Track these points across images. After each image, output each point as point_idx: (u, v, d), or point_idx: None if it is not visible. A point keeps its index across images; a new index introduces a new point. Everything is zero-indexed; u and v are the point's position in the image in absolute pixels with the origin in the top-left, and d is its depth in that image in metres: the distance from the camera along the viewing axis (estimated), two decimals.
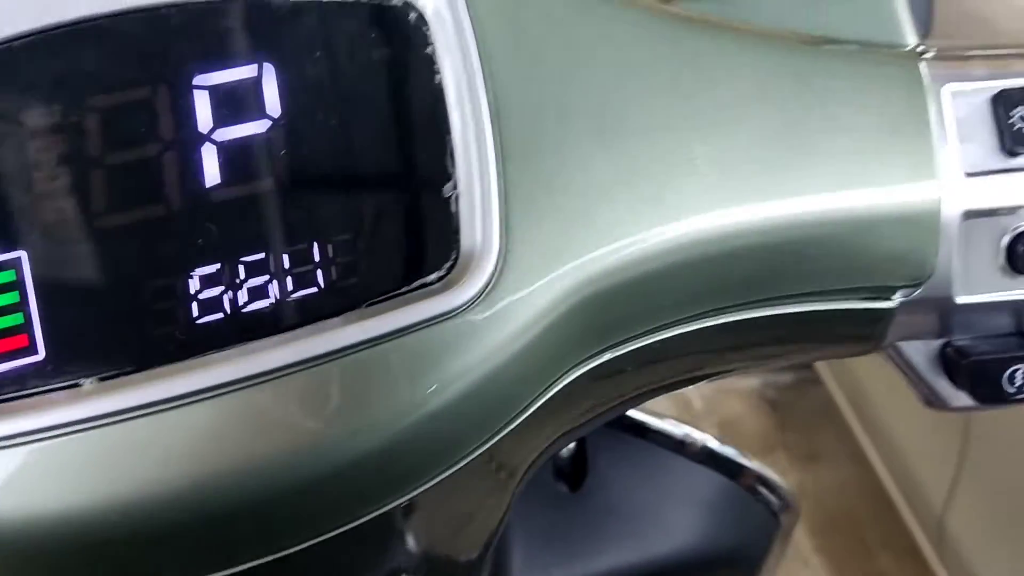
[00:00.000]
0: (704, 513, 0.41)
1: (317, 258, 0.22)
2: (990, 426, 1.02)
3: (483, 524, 0.29)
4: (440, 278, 0.23)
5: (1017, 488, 1.01)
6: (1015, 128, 0.24)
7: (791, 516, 0.43)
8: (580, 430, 0.29)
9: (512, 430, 0.24)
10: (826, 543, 1.60)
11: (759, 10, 0.26)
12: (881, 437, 1.35)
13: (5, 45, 0.21)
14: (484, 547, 0.30)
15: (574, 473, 0.39)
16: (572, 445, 0.40)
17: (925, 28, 0.28)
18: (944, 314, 0.25)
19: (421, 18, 0.23)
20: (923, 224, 0.24)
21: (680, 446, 0.40)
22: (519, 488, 0.29)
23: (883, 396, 1.32)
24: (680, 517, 0.41)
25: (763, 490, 0.42)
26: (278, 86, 0.22)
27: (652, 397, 0.30)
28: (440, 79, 0.23)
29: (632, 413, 0.41)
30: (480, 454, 0.24)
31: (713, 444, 0.41)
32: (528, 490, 0.40)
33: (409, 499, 0.23)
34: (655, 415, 0.41)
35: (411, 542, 0.27)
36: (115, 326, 0.22)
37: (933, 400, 0.27)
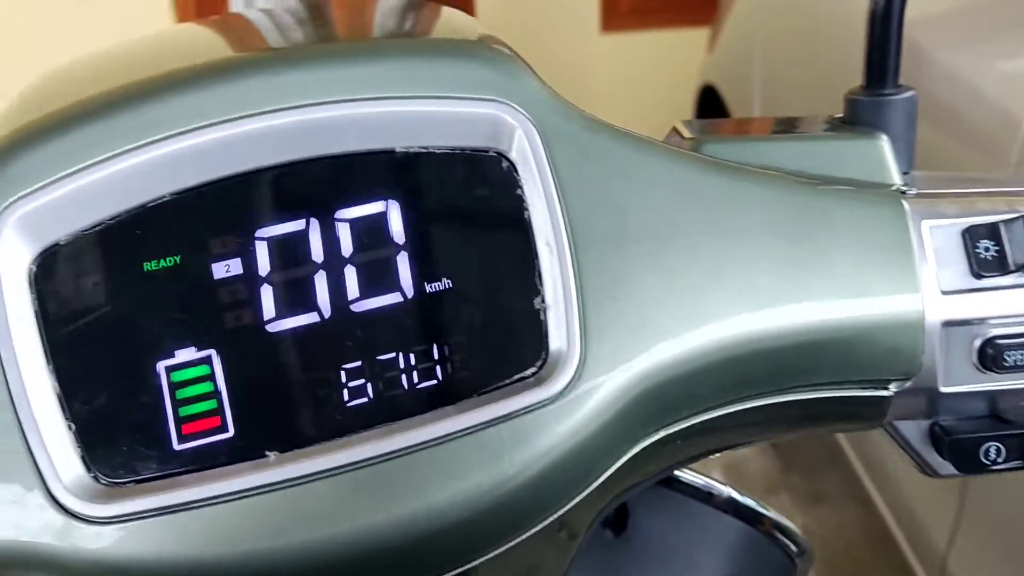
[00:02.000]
0: (730, 556, 0.47)
1: (436, 356, 0.28)
2: None
3: (552, 574, 0.35)
4: (533, 374, 0.29)
5: (1017, 528, 1.05)
6: (981, 256, 0.30)
7: (806, 561, 0.49)
8: (634, 491, 0.35)
9: (584, 497, 0.30)
10: None
11: (771, 155, 0.33)
12: (884, 479, 1.38)
13: (194, 191, 0.27)
14: None
15: (618, 521, 0.45)
16: None
17: (908, 164, 0.34)
18: (931, 400, 0.32)
19: (512, 165, 0.29)
20: (910, 332, 0.31)
21: (708, 496, 0.46)
22: (582, 542, 0.35)
23: (886, 438, 1.34)
24: (709, 559, 0.46)
25: (781, 536, 0.48)
26: (402, 219, 0.28)
27: (695, 462, 0.36)
28: (528, 214, 0.29)
29: None
30: (558, 516, 0.29)
31: (736, 495, 0.47)
32: None
33: (504, 550, 0.29)
34: (686, 470, 0.47)
35: None
36: (287, 409, 0.27)
37: (926, 469, 0.33)
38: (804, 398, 0.31)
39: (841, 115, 0.35)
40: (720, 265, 0.30)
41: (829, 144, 0.33)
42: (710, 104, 1.89)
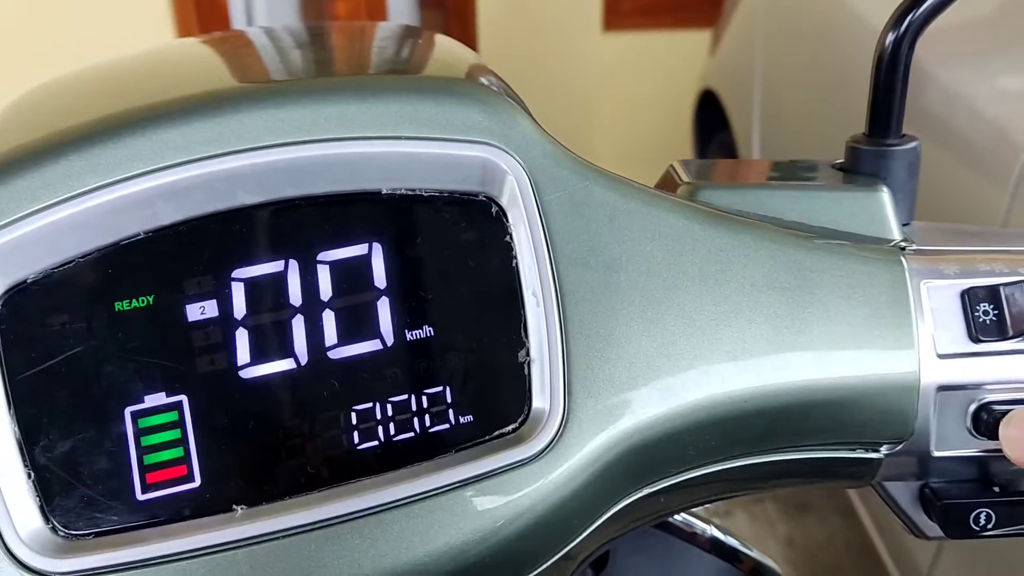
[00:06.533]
0: None
1: (414, 408, 0.27)
2: None
3: None
4: (514, 430, 0.28)
5: (1002, 551, 1.04)
6: (980, 320, 0.30)
7: None
8: (620, 538, 0.34)
9: (565, 552, 0.29)
10: None
11: (769, 204, 0.32)
12: (868, 491, 1.36)
13: (170, 229, 0.26)
14: None
15: (599, 560, 0.44)
16: None
17: (909, 214, 0.33)
18: (922, 463, 0.31)
19: (501, 211, 0.28)
20: (904, 396, 0.30)
21: (691, 537, 0.45)
22: None
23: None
24: None
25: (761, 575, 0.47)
26: (385, 262, 0.27)
27: (681, 512, 0.35)
28: (516, 263, 0.28)
29: None
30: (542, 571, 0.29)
31: (719, 535, 0.46)
32: None
33: None
34: None
35: None
36: (256, 460, 0.26)
37: (914, 530, 0.32)
38: (792, 458, 0.30)
39: (842, 161, 0.34)
40: (713, 325, 0.29)
41: (829, 195, 0.32)
42: (710, 109, 1.88)
